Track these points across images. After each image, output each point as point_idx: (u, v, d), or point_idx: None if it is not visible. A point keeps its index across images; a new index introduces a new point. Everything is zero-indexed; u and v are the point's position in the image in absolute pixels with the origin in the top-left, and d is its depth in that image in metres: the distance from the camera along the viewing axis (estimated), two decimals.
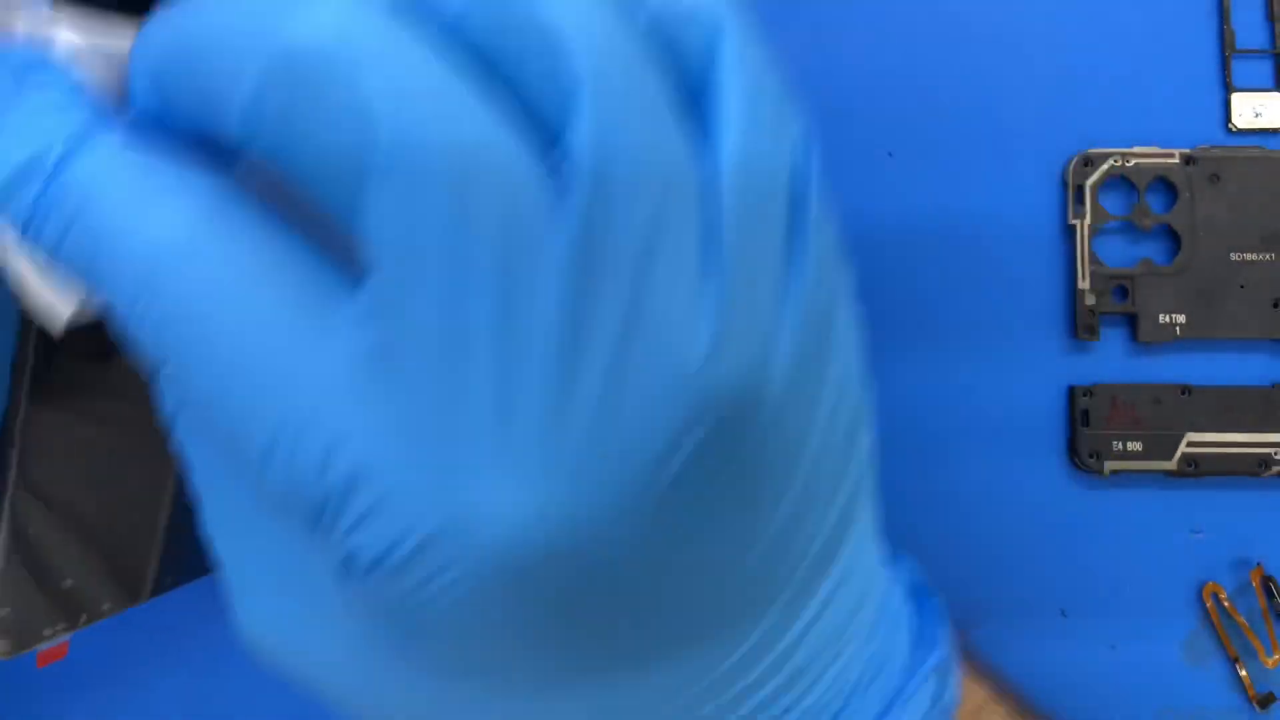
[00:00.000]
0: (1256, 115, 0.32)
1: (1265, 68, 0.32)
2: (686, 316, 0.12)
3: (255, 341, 0.13)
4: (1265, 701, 0.31)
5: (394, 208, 0.11)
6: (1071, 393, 0.31)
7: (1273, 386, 0.31)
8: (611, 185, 0.12)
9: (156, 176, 0.13)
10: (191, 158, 0.13)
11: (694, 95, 0.14)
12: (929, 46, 0.32)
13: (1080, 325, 0.31)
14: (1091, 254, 0.31)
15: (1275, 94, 0.32)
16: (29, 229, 0.13)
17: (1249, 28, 0.32)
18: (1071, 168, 0.31)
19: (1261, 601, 0.31)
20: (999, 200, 0.32)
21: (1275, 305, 0.31)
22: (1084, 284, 0.31)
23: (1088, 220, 0.31)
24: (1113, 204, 0.32)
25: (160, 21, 0.13)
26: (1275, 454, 0.31)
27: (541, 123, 0.12)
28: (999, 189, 0.32)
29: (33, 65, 0.13)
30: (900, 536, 0.31)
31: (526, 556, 0.12)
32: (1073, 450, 0.31)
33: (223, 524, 0.15)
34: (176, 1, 0.13)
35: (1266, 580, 0.31)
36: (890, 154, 0.32)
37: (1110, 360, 0.32)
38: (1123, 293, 0.31)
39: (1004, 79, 0.32)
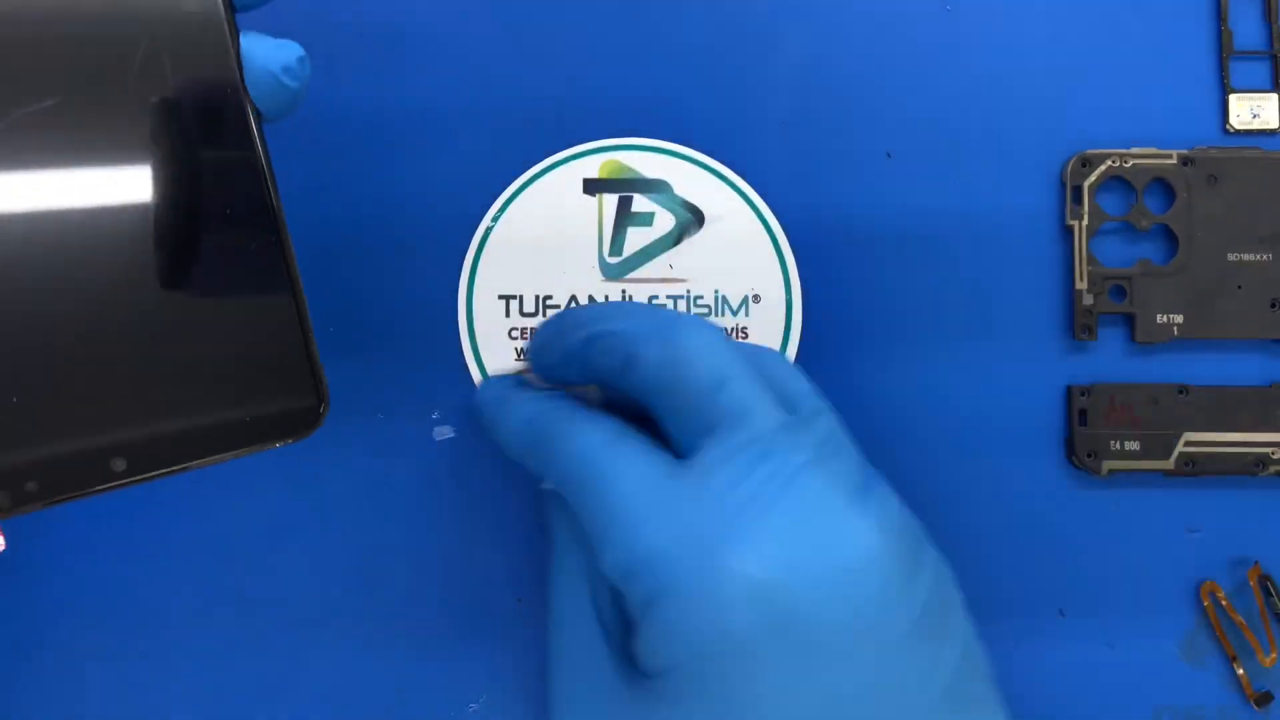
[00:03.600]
0: (1254, 116, 0.32)
1: (1263, 69, 0.32)
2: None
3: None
4: (1263, 700, 0.31)
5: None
6: (1069, 392, 0.31)
7: (1270, 386, 0.31)
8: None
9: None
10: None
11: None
12: (928, 47, 0.32)
13: (1078, 325, 0.31)
14: (1089, 254, 0.31)
15: (1273, 95, 0.32)
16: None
17: (1247, 29, 0.32)
18: (1069, 168, 0.31)
19: (1259, 600, 0.31)
20: (997, 201, 0.32)
21: (1273, 305, 0.31)
22: (1082, 284, 0.31)
23: (1085, 220, 0.31)
24: (1111, 204, 0.32)
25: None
26: (1272, 453, 0.31)
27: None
28: (997, 189, 0.32)
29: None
30: None
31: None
32: (1070, 450, 0.31)
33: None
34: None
35: (1264, 579, 0.31)
36: (889, 154, 0.32)
37: (1108, 360, 0.32)
38: (1120, 293, 0.31)
39: (1002, 80, 0.32)
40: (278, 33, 0.23)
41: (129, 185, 0.21)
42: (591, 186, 0.31)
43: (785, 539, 0.22)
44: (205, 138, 0.22)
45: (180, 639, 0.30)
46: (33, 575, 0.30)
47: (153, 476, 0.21)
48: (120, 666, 0.30)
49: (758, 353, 0.26)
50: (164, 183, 0.22)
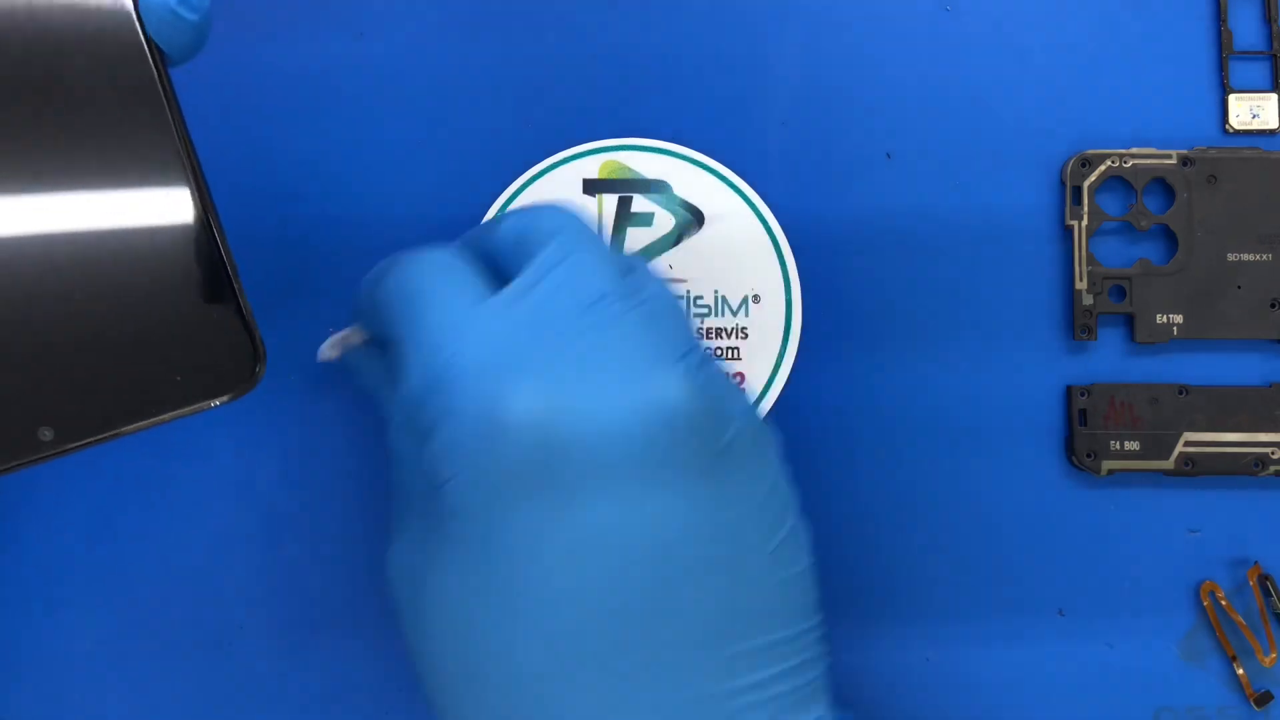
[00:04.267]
0: (1254, 116, 0.32)
1: (1262, 69, 0.32)
2: None
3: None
4: (1263, 700, 0.31)
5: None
6: (1069, 392, 0.31)
7: (1269, 386, 0.31)
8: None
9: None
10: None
11: None
12: (928, 47, 0.32)
13: (1078, 325, 0.31)
14: (1089, 254, 0.31)
15: (1272, 95, 0.32)
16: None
17: (1246, 29, 0.32)
18: (1069, 168, 0.31)
19: (1259, 600, 0.31)
20: (997, 201, 0.32)
21: (1272, 305, 0.31)
22: (1081, 284, 0.31)
23: (1085, 221, 0.31)
24: (1110, 205, 0.32)
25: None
26: (1272, 453, 0.31)
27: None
28: (997, 190, 0.32)
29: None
30: (899, 536, 0.31)
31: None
32: (1070, 450, 0.31)
33: (396, 490, 0.25)
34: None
35: (1264, 579, 0.31)
36: (889, 155, 0.32)
37: (1108, 360, 0.32)
38: (1120, 293, 0.31)
39: (1002, 80, 0.32)
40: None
41: (25, 141, 0.21)
42: (591, 186, 0.31)
43: (578, 374, 0.22)
44: (104, 82, 0.21)
45: (179, 638, 0.30)
46: (27, 574, 0.30)
47: (83, 445, 0.21)
48: (118, 665, 0.30)
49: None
50: (66, 132, 0.21)
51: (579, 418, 0.21)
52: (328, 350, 0.27)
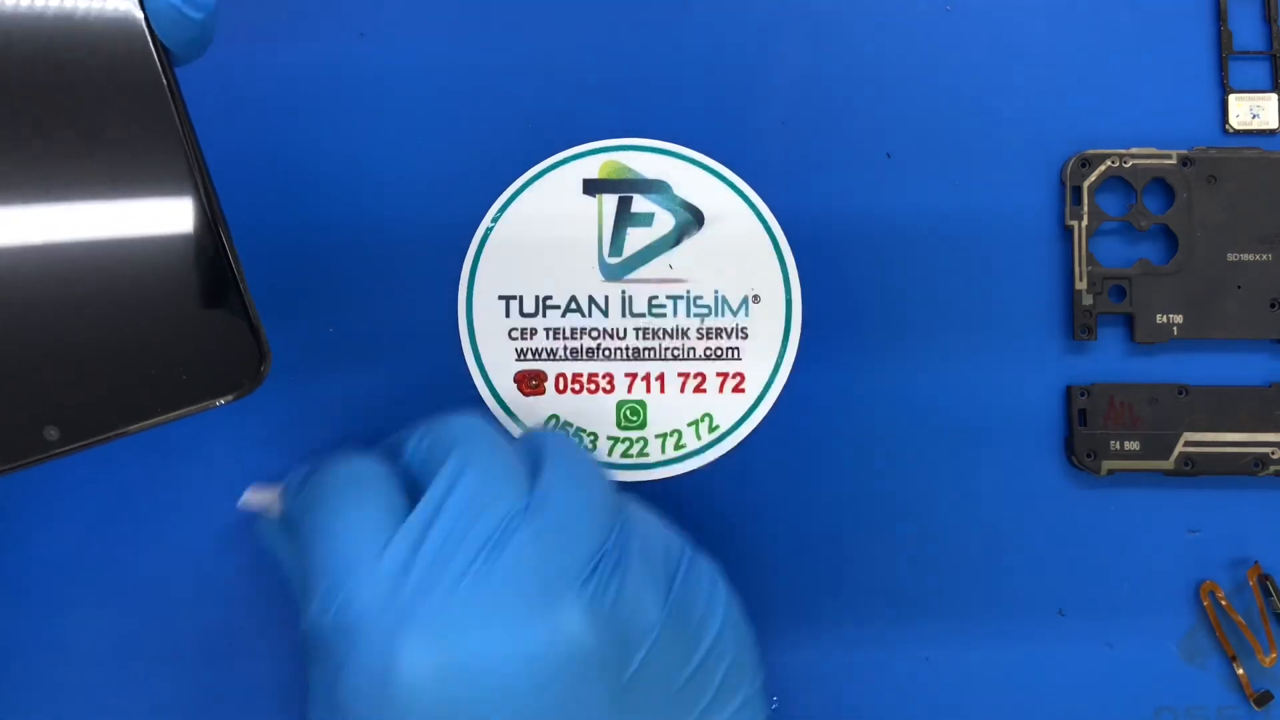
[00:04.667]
0: (1254, 116, 0.32)
1: (1262, 69, 0.32)
2: None
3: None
4: (1262, 700, 0.31)
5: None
6: (1069, 392, 0.31)
7: (1270, 386, 0.31)
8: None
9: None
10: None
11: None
12: (928, 47, 0.32)
13: (1078, 325, 0.31)
14: (1089, 254, 0.31)
15: (1272, 95, 0.32)
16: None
17: (1246, 29, 0.32)
18: (1069, 168, 0.31)
19: (1259, 600, 0.31)
20: (997, 201, 0.32)
21: (1272, 306, 0.31)
22: (1081, 284, 0.31)
23: (1085, 221, 0.31)
24: (1110, 205, 0.32)
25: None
26: (1272, 453, 0.31)
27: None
28: (997, 190, 0.32)
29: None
30: (899, 536, 0.31)
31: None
32: (1070, 450, 0.31)
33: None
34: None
35: (1263, 579, 0.31)
36: (888, 155, 0.32)
37: (1108, 360, 0.32)
38: (1120, 293, 0.31)
39: (1002, 80, 0.32)
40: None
41: (30, 143, 0.21)
42: (591, 187, 0.31)
43: (473, 617, 0.22)
44: (110, 82, 0.21)
45: (181, 639, 0.30)
46: (29, 576, 0.30)
47: (89, 444, 0.20)
48: (119, 666, 0.30)
49: (539, 438, 0.26)
50: (71, 133, 0.21)
51: (473, 673, 0.21)
52: (252, 498, 0.27)
